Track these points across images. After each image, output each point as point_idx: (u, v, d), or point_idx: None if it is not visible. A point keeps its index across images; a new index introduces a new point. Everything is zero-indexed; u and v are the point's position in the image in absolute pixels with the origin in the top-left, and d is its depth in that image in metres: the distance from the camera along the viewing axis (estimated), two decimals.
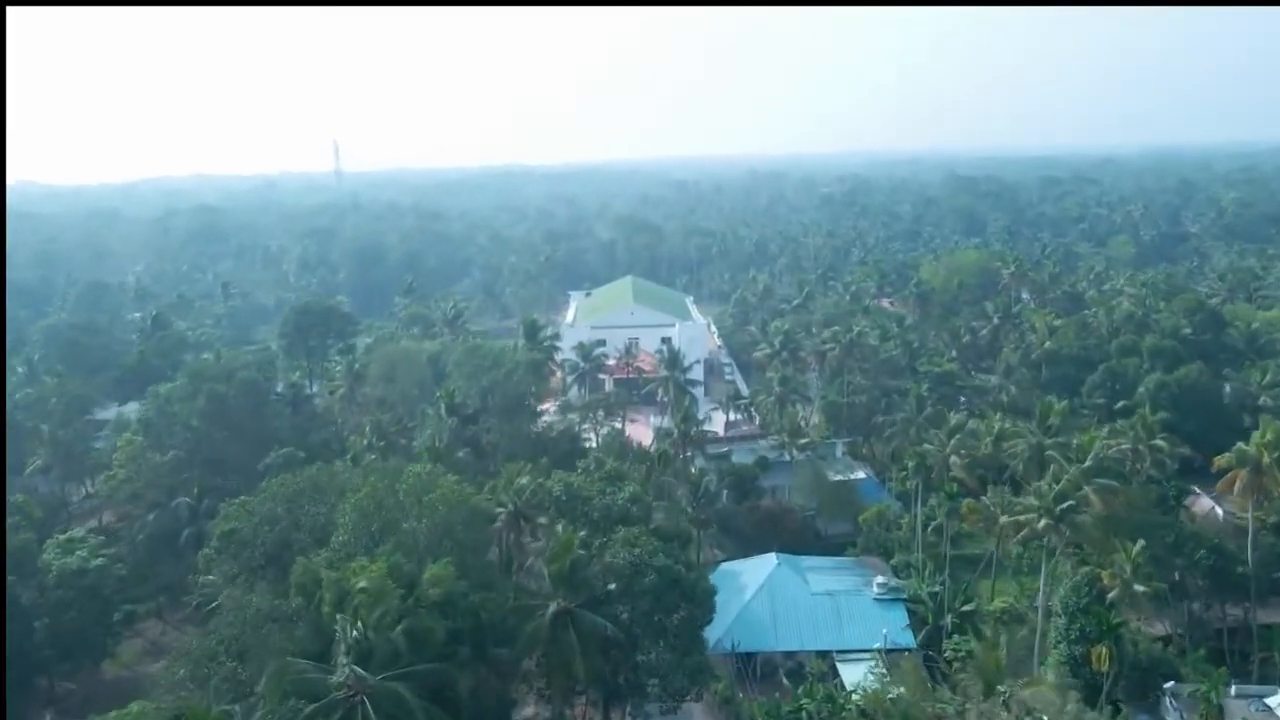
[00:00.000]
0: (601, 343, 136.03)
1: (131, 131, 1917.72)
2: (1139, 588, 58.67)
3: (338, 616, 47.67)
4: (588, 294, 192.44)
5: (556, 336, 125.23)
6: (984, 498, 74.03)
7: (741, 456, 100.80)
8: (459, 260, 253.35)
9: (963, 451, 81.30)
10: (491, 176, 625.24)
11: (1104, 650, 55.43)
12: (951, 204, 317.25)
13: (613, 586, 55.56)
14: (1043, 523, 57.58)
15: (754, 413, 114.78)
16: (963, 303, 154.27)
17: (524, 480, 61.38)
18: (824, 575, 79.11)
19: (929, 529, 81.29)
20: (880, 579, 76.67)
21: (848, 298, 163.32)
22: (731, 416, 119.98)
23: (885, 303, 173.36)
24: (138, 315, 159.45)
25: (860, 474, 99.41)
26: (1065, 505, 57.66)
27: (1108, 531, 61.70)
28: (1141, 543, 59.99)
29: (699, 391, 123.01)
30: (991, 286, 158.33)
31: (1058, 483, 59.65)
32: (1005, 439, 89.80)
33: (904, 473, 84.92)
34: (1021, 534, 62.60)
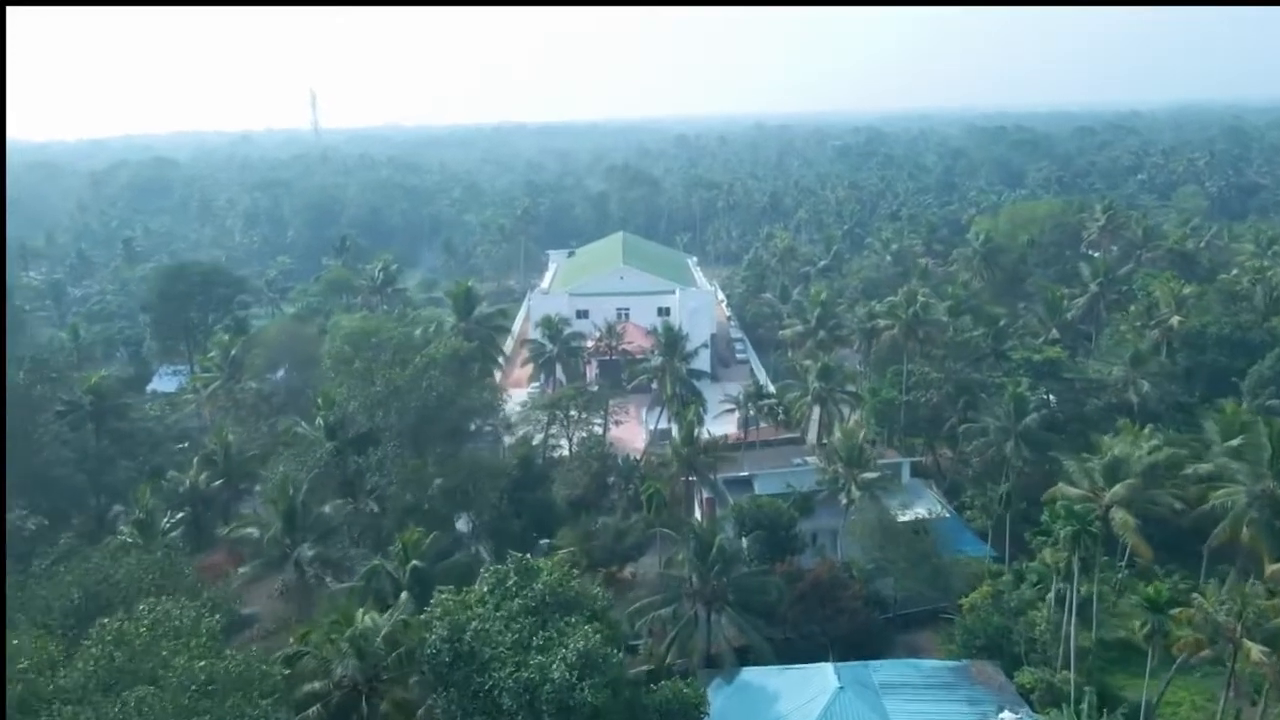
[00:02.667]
0: (582, 314, 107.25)
1: (115, 88, 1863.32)
2: None
3: None
4: (571, 253, 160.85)
5: (502, 314, 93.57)
6: (1198, 597, 43.51)
7: (768, 485, 70.54)
8: (426, 215, 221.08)
9: (1134, 501, 50.86)
10: (483, 133, 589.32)
11: None
12: (984, 154, 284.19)
13: None
14: None
15: (783, 412, 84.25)
16: (1034, 264, 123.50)
17: (374, 618, 30.75)
18: (913, 703, 49.04)
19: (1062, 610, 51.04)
20: (1007, 715, 46.96)
21: (888, 258, 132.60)
22: (750, 413, 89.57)
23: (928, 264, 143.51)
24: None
25: (944, 511, 69.19)
26: None
27: None
28: None
29: (704, 383, 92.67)
30: (1070, 243, 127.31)
31: None
32: (1160, 469, 60.47)
33: (1043, 538, 54.01)
34: None
